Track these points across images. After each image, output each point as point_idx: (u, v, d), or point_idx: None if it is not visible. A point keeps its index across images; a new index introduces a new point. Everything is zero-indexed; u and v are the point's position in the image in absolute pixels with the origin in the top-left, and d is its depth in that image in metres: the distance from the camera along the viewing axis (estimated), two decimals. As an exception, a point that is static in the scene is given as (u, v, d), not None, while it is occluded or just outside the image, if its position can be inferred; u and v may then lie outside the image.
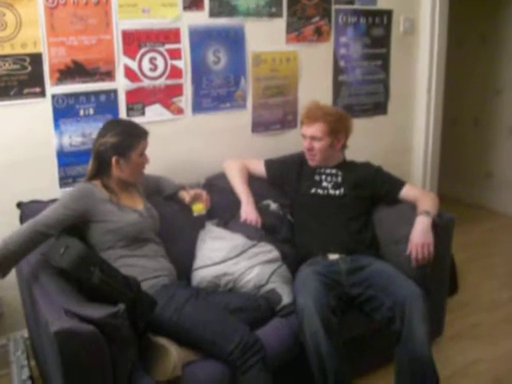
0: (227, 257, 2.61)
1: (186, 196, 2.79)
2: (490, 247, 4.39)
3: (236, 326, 2.24)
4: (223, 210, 2.88)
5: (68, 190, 2.64)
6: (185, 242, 2.75)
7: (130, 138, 2.45)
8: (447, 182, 4.84)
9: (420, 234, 2.62)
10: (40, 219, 2.25)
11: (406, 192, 2.88)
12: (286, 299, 2.50)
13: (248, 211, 2.86)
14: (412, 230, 2.65)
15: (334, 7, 3.50)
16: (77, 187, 2.41)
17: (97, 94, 2.85)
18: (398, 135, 4.01)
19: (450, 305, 3.10)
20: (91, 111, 2.85)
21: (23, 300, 2.57)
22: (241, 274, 2.56)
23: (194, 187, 2.88)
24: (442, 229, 2.76)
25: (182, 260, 2.64)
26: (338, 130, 2.90)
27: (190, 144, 3.14)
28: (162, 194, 2.81)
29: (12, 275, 2.33)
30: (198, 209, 2.78)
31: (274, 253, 2.68)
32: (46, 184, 2.79)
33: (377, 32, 3.72)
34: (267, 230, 2.82)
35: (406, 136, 4.06)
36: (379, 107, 3.86)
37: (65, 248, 2.05)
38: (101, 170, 2.45)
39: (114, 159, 2.41)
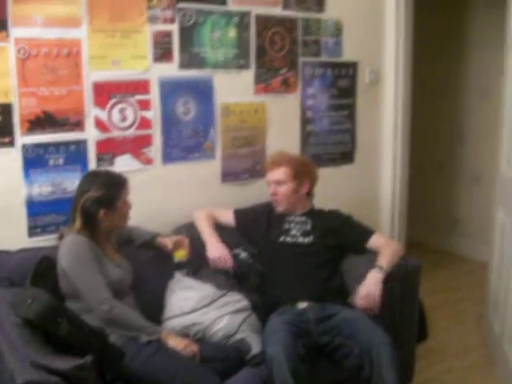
0: (197, 307, 2.60)
1: (167, 242, 2.80)
2: (458, 292, 4.44)
3: (206, 377, 2.24)
4: (192, 260, 2.88)
5: (37, 239, 2.64)
6: (154, 291, 2.74)
7: (113, 189, 2.47)
8: (415, 228, 4.91)
9: (367, 286, 2.67)
10: (95, 296, 2.30)
11: (373, 242, 2.92)
12: (256, 349, 2.49)
13: (216, 247, 2.88)
14: (362, 283, 2.70)
15: (301, 59, 3.60)
16: (75, 245, 2.38)
17: (66, 144, 2.87)
18: (365, 183, 4.07)
19: (419, 351, 3.10)
20: (61, 161, 2.87)
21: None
22: (210, 324, 2.56)
23: (177, 234, 2.91)
24: (408, 275, 2.80)
25: (152, 310, 2.63)
26: (301, 174, 2.97)
27: (159, 194, 3.16)
28: (134, 243, 2.80)
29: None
30: (181, 255, 2.80)
31: (243, 302, 2.68)
32: (14, 234, 2.78)
33: (343, 83, 3.82)
34: (237, 279, 2.84)
35: (373, 184, 4.12)
36: (346, 156, 3.93)
37: (32, 299, 2.04)
38: (88, 224, 2.44)
39: (101, 212, 2.43)
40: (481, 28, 4.84)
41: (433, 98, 5.23)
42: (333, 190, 3.66)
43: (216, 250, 2.87)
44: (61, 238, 2.46)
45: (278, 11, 3.48)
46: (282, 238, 2.94)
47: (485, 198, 4.61)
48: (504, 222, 3.28)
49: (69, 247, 2.38)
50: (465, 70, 5.05)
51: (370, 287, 2.66)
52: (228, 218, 3.09)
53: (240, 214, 3.11)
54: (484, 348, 3.54)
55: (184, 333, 2.55)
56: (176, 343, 2.36)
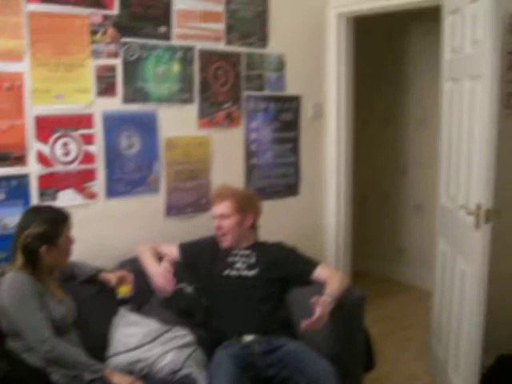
0: (141, 343, 2.57)
1: (111, 278, 2.77)
2: (404, 320, 4.49)
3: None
4: (136, 295, 2.85)
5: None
6: (98, 328, 2.69)
7: (55, 225, 2.43)
8: (361, 258, 4.98)
9: (316, 310, 2.63)
10: (36, 335, 2.24)
11: (318, 273, 2.93)
12: (202, 383, 2.48)
13: (161, 275, 2.84)
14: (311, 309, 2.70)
15: (244, 94, 3.65)
16: (16, 283, 2.33)
17: (8, 179, 2.81)
18: (310, 215, 4.12)
19: (367, 380, 3.13)
20: (2, 196, 2.81)
21: None
22: (155, 360, 2.52)
23: (120, 269, 2.88)
24: (353, 305, 2.83)
25: (96, 347, 2.58)
26: (246, 207, 2.99)
27: (102, 228, 3.12)
28: (77, 279, 2.76)
29: None
30: (124, 291, 2.76)
31: (188, 337, 2.66)
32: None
33: (286, 117, 3.89)
34: (182, 314, 2.82)
35: (318, 215, 4.18)
36: (291, 189, 3.98)
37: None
38: (30, 261, 2.39)
39: (43, 249, 2.38)
40: (419, 57, 4.99)
41: (375, 129, 5.36)
42: (278, 222, 3.69)
43: (160, 277, 2.84)
44: (2, 275, 2.40)
45: (221, 46, 3.53)
46: (226, 272, 2.94)
47: (428, 226, 4.71)
48: (445, 251, 3.36)
49: (9, 285, 2.33)
50: (405, 100, 5.20)
51: (318, 311, 2.65)
52: (172, 252, 3.07)
53: (185, 247, 3.10)
54: (430, 376, 3.59)
55: (129, 370, 2.51)
56: (120, 381, 2.32)
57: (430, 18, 3.85)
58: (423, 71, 4.89)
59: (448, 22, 3.28)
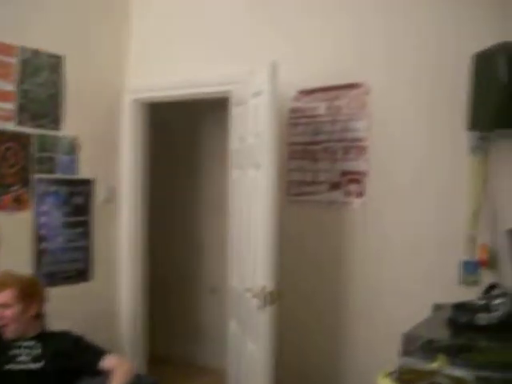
0: None
1: None
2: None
3: None
4: None
5: None
6: None
7: None
8: (159, 341, 4.92)
9: None
10: None
11: (106, 363, 2.85)
12: None
13: None
14: None
15: (34, 176, 3.55)
16: None
17: None
18: (103, 301, 4.03)
19: None
20: None
21: None
22: None
23: None
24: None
25: None
26: (29, 295, 2.86)
27: None
28: None
29: None
30: None
31: None
32: None
33: (78, 200, 3.83)
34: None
35: (112, 301, 4.10)
36: (82, 274, 3.89)
37: None
38: None
39: None
40: (213, 144, 5.16)
41: (172, 212, 5.42)
42: (69, 309, 3.54)
43: None
44: None
45: (11, 126, 3.43)
46: (8, 367, 2.75)
47: (223, 308, 4.80)
48: (235, 332, 3.44)
49: None
50: (201, 184, 5.33)
51: None
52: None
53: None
54: None
55: None
56: None
57: (224, 107, 4.05)
58: (217, 157, 5.07)
59: (235, 113, 3.49)
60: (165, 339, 5.26)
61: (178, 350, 5.40)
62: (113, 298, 4.11)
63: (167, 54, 4.05)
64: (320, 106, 3.42)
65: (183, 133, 5.37)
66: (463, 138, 2.93)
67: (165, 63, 4.05)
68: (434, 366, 1.81)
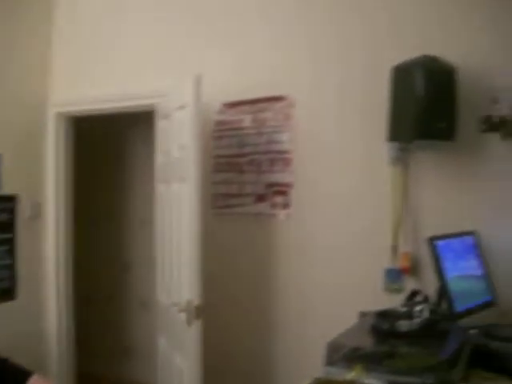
0: None
1: None
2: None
3: None
4: None
5: None
6: None
7: None
8: (88, 359, 4.81)
9: None
10: None
11: (30, 385, 2.77)
12: None
13: None
14: None
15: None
16: None
17: None
18: (28, 320, 3.92)
19: None
20: None
21: None
22: None
23: None
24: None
25: None
26: None
27: None
28: None
29: None
30: None
31: None
32: None
33: (2, 217, 3.71)
34: None
35: (37, 319, 4.00)
36: (6, 293, 3.76)
37: None
38: None
39: None
40: (140, 158, 5.13)
41: (98, 228, 5.34)
42: (-7, 329, 3.44)
43: None
44: None
45: None
46: None
47: (153, 324, 4.74)
48: (164, 348, 3.40)
49: None
50: (129, 199, 5.29)
51: None
52: None
53: None
54: None
55: None
56: None
57: (151, 120, 4.02)
58: (145, 172, 5.04)
59: (160, 127, 3.47)
60: (93, 357, 5.15)
61: (106, 368, 5.30)
62: (38, 316, 4.00)
63: (92, 67, 4.00)
64: (245, 119, 3.44)
65: (110, 147, 5.31)
66: (385, 149, 3.00)
67: (90, 76, 4.00)
68: (351, 376, 1.84)
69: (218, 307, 3.37)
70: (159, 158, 3.48)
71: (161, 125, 3.46)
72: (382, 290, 3.01)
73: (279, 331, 3.38)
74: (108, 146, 5.32)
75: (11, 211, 3.78)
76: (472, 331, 2.41)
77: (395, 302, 2.68)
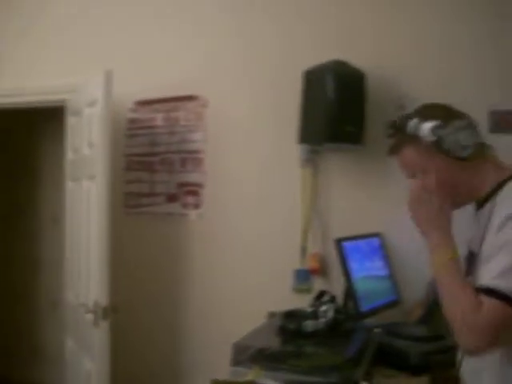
0: None
1: None
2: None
3: None
4: None
5: None
6: None
7: None
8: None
9: None
10: None
11: None
12: None
13: None
14: None
15: None
16: None
17: None
18: None
19: None
20: None
21: None
22: None
23: None
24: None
25: None
26: None
27: None
28: None
29: None
30: None
31: None
32: None
33: None
34: None
35: None
36: None
37: None
38: None
39: None
40: (51, 155, 4.98)
41: (9, 225, 5.16)
42: None
43: None
44: None
45: None
46: None
47: (63, 324, 4.63)
48: (72, 350, 3.31)
49: None
50: (39, 197, 5.14)
51: None
52: None
53: None
54: None
55: None
56: None
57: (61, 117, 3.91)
58: (56, 169, 4.90)
59: (70, 123, 3.39)
60: (2, 359, 4.98)
61: (16, 370, 5.14)
62: None
63: (2, 60, 3.84)
64: (157, 117, 3.41)
65: (20, 143, 5.14)
66: (296, 151, 3.04)
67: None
68: (248, 376, 1.85)
69: (132, 308, 3.31)
70: (69, 155, 3.40)
71: (71, 121, 3.38)
72: (292, 291, 3.05)
73: (188, 332, 3.36)
74: (20, 142, 5.14)
75: None
76: (376, 330, 2.48)
77: (304, 302, 2.72)
